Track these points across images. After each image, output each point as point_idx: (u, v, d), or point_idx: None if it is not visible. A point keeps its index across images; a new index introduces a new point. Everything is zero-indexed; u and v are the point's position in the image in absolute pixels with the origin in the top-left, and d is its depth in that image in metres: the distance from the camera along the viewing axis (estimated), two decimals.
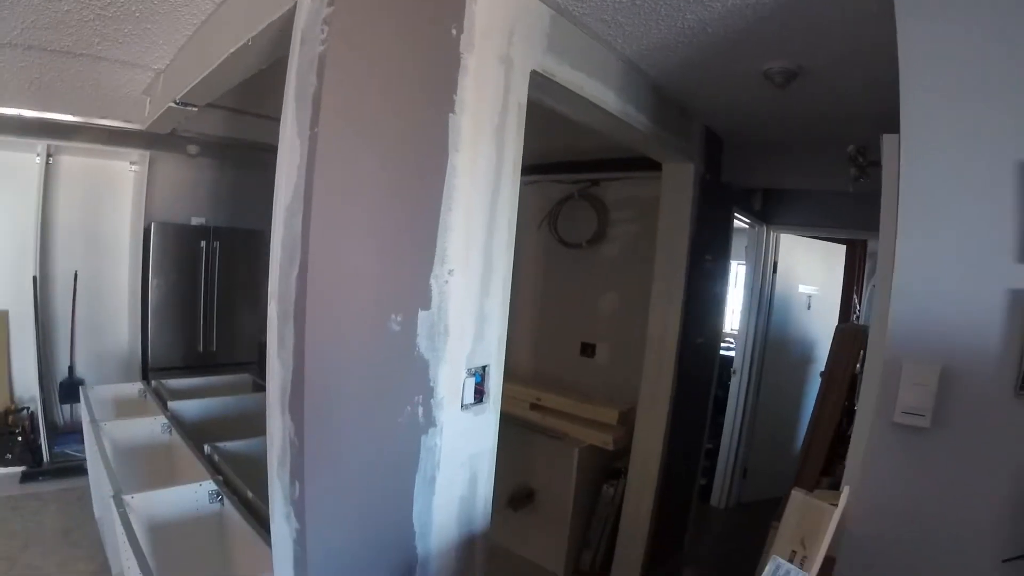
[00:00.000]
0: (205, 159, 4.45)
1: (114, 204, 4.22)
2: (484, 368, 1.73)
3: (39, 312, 3.79)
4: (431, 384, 1.56)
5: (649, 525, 3.00)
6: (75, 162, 4.03)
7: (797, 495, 1.39)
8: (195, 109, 2.60)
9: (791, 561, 1.28)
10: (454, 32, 1.50)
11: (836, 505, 1.29)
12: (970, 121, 1.27)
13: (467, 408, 1.68)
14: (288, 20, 1.45)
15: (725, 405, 4.36)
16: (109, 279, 4.21)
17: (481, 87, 1.58)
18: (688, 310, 2.98)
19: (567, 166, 3.89)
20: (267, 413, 1.44)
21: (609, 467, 3.36)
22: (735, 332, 4.70)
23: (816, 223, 4.17)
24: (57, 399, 4.01)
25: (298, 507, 1.35)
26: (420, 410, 1.54)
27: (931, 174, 1.30)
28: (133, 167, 4.20)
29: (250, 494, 1.96)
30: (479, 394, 1.72)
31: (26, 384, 3.82)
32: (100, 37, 2.31)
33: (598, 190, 3.82)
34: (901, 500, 1.31)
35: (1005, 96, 1.23)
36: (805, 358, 4.58)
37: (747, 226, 4.24)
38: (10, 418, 3.66)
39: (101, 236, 4.19)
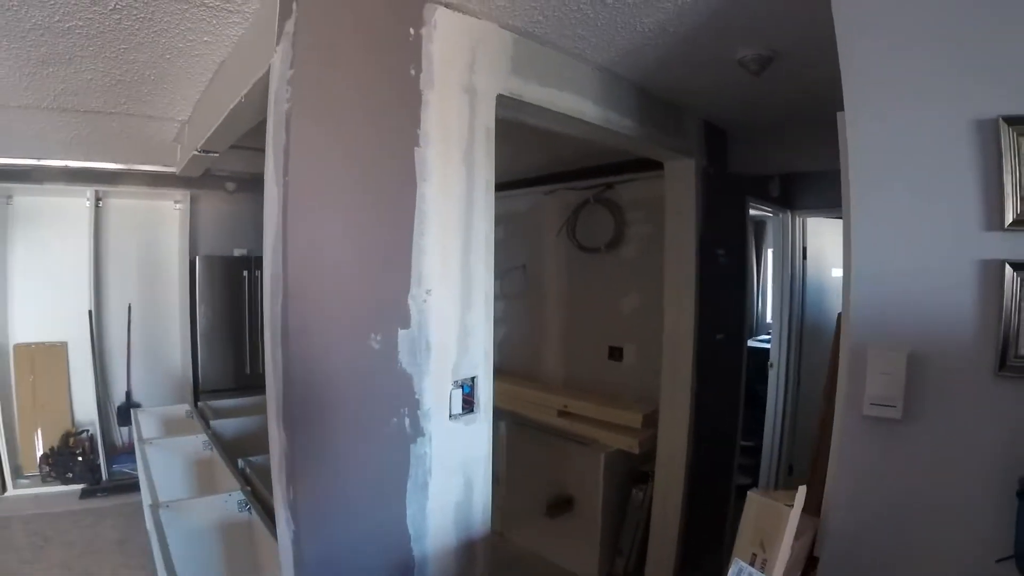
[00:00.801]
0: (242, 194, 4.76)
1: (162, 240, 4.55)
2: (472, 379, 1.81)
3: (95, 342, 4.13)
4: (416, 397, 1.65)
5: (679, 528, 2.95)
6: (123, 204, 4.38)
7: (753, 496, 1.35)
8: (216, 155, 2.80)
9: (752, 564, 1.25)
10: (413, 72, 1.60)
11: (792, 506, 1.26)
12: (916, 80, 1.15)
13: (456, 418, 1.76)
14: (267, 79, 1.58)
15: (765, 401, 4.23)
16: (161, 310, 4.53)
17: (445, 118, 1.67)
18: (703, 308, 2.93)
19: (582, 172, 3.90)
20: (268, 427, 1.58)
21: (637, 471, 3.33)
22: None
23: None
24: (115, 421, 4.34)
25: (293, 510, 1.47)
26: (407, 421, 1.64)
27: (880, 142, 1.20)
28: (177, 205, 4.53)
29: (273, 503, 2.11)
30: (468, 404, 1.80)
31: (86, 409, 4.17)
32: (125, 97, 2.54)
33: (613, 193, 3.82)
34: (879, 498, 1.23)
35: (952, 48, 1.11)
36: None
37: (770, 214, 4.13)
38: (71, 440, 4.02)
39: (152, 270, 4.52)
